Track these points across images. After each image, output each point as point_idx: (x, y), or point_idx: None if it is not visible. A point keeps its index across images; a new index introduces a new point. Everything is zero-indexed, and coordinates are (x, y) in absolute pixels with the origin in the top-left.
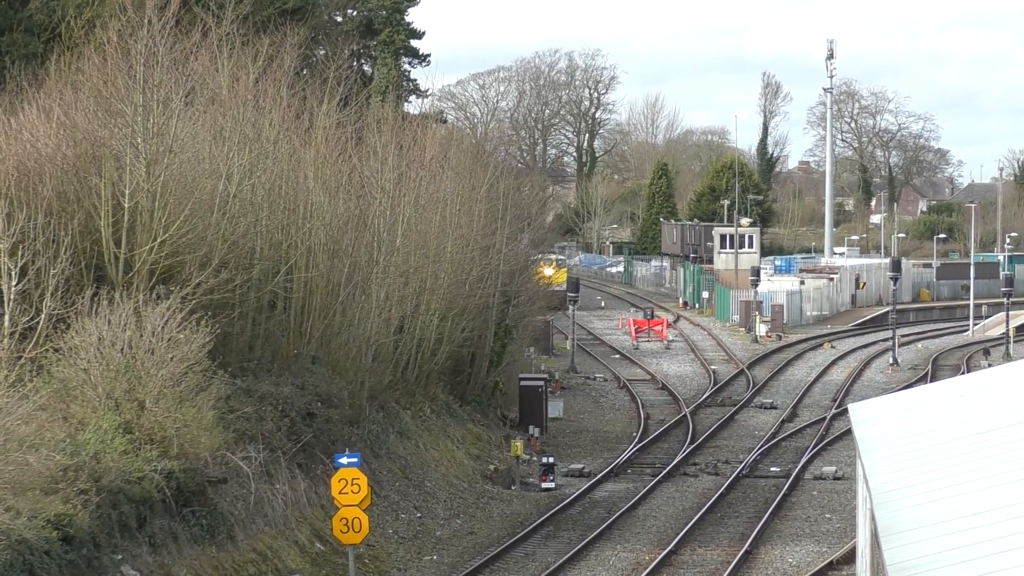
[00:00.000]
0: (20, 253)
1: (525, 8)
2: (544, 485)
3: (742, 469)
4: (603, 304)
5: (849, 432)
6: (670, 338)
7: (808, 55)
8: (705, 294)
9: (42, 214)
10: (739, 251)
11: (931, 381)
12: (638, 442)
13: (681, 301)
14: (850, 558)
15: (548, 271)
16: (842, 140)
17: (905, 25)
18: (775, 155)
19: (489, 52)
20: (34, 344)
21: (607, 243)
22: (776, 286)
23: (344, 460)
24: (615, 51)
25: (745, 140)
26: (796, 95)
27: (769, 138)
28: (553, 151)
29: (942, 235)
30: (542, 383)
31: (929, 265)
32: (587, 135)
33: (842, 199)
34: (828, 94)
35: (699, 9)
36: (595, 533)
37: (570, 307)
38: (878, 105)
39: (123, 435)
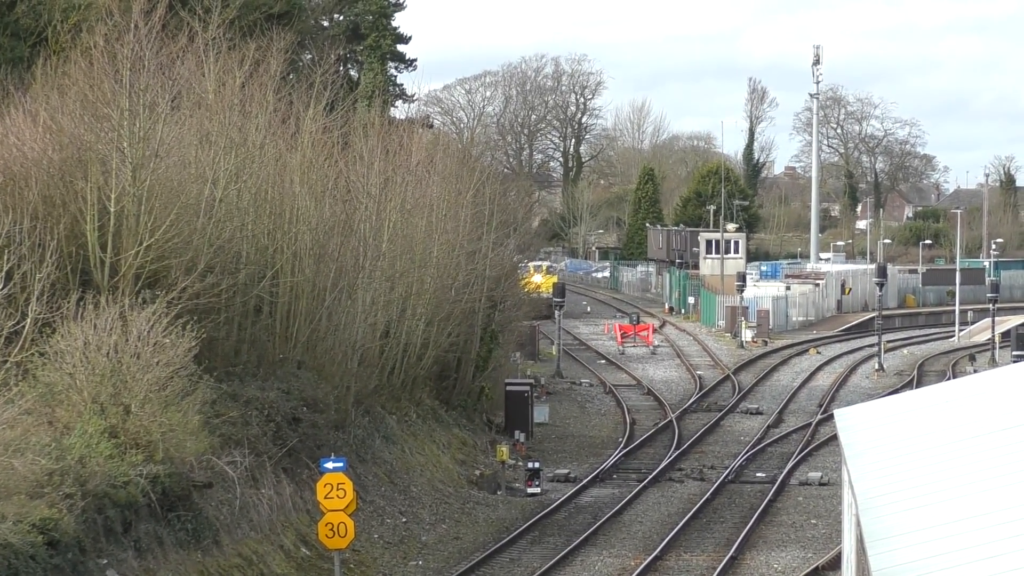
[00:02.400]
0: (6, 257)
1: (514, 13)
2: (530, 490)
3: (728, 475)
4: (589, 309)
5: (835, 438)
6: (656, 343)
7: (800, 60)
8: (691, 299)
9: (28, 218)
10: (725, 256)
11: (917, 387)
12: (624, 447)
13: (667, 306)
14: (836, 564)
15: (537, 278)
16: (828, 146)
17: (900, 30)
18: (761, 160)
19: (476, 57)
20: (19, 348)
21: (593, 248)
22: (762, 292)
23: (330, 465)
24: (606, 55)
25: (731, 145)
26: (786, 100)
27: (755, 143)
28: (539, 156)
29: (928, 241)
30: (528, 388)
31: (915, 271)
32: (573, 140)
33: (828, 205)
34: (814, 100)
35: (692, 14)
36: (581, 538)
37: (556, 312)
38: (864, 111)
39: (109, 439)
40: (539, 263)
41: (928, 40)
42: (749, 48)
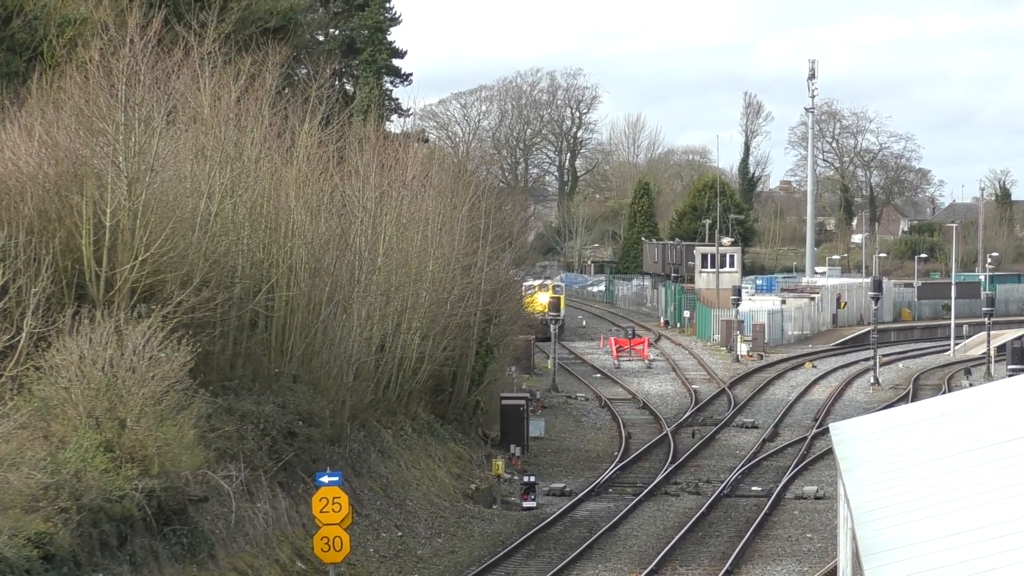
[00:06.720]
0: (1, 271)
1: (515, 27)
2: (525, 504)
3: (723, 488)
4: (584, 323)
5: (830, 451)
6: (651, 357)
7: (805, 74)
8: (686, 313)
9: (23, 232)
10: (720, 270)
11: (912, 400)
12: (619, 461)
13: (662, 320)
14: None
15: (543, 298)
16: (823, 160)
17: (911, 43)
18: (757, 175)
19: (471, 71)
20: (15, 363)
21: (588, 262)
22: (757, 305)
23: (325, 479)
24: (612, 69)
25: (727, 159)
26: (789, 114)
27: (751, 157)
28: (535, 170)
29: (923, 255)
30: (523, 402)
31: (910, 285)
32: (569, 154)
33: (823, 219)
34: (809, 114)
35: (704, 28)
36: (576, 552)
37: (552, 327)
38: (859, 125)
39: (104, 453)
40: (545, 281)
41: (938, 53)
42: (758, 62)
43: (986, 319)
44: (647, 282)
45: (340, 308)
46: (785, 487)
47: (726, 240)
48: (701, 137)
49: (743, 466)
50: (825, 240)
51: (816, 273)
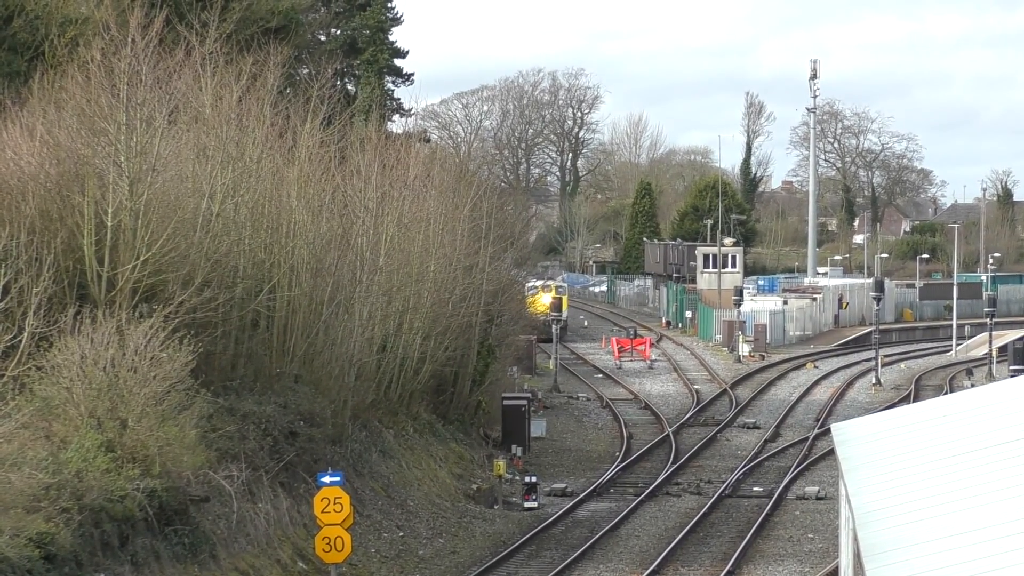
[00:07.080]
0: (3, 271)
1: (517, 27)
2: (527, 504)
3: (725, 489)
4: (586, 324)
5: (832, 452)
6: (653, 358)
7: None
8: (688, 314)
9: (25, 232)
10: (722, 271)
11: (914, 401)
12: (621, 461)
13: (664, 321)
14: None
15: (545, 298)
16: (825, 160)
17: (914, 44)
18: (758, 175)
19: (473, 71)
20: (16, 362)
21: (590, 262)
22: (759, 306)
23: (326, 479)
24: (613, 69)
25: (729, 160)
26: (792, 114)
27: (752, 158)
28: (536, 170)
29: (925, 255)
30: (525, 402)
31: (912, 285)
32: (570, 154)
33: (825, 219)
34: (811, 114)
35: (708, 27)
36: (578, 552)
37: (553, 327)
38: (861, 125)
39: (105, 454)
40: (547, 281)
41: (940, 53)
42: (759, 62)
43: (988, 320)
44: (649, 282)
45: (342, 308)
46: (787, 487)
47: (728, 240)
48: (703, 137)
49: (745, 466)
50: (827, 240)
51: (818, 273)
